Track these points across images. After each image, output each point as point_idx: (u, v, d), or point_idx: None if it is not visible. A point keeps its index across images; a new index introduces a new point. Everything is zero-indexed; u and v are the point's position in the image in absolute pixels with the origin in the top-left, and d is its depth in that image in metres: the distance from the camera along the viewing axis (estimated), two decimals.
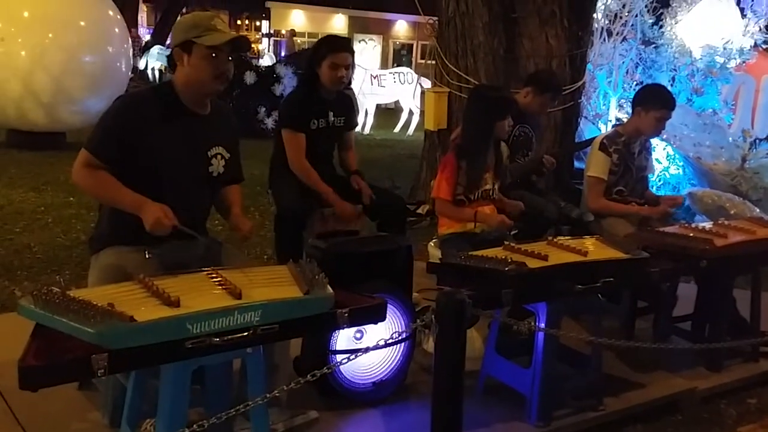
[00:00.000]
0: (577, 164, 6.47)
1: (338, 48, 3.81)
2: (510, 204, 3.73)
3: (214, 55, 2.58)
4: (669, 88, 7.27)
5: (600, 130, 7.45)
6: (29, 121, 8.99)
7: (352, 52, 3.88)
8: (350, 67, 3.86)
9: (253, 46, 38.80)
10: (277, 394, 2.24)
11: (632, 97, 4.33)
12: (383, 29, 30.57)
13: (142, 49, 20.85)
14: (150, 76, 18.45)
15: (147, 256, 2.57)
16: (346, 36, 24.73)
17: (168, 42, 20.73)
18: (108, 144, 2.58)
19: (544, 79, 4.60)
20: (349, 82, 3.96)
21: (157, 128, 2.60)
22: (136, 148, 2.57)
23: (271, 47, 31.03)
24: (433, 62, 6.88)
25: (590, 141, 4.44)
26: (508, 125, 3.64)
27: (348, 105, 4.04)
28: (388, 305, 2.59)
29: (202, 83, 2.63)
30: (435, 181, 3.69)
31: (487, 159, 3.64)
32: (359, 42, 28.83)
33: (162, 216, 2.46)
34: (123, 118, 2.60)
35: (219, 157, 2.76)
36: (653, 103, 3.96)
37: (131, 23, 17.83)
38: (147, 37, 25.74)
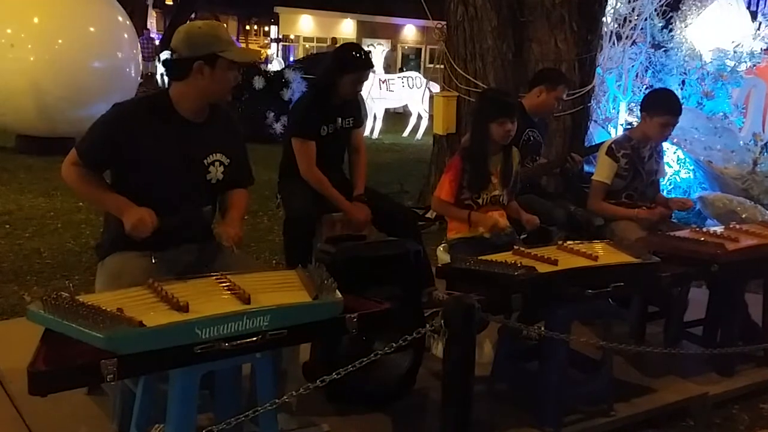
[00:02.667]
0: (587, 168, 6.45)
1: (366, 66, 3.85)
2: (527, 219, 3.69)
3: (234, 67, 2.64)
4: (679, 91, 7.27)
5: (610, 134, 7.42)
6: (39, 126, 9.03)
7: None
8: None
9: (261, 51, 38.95)
10: (286, 400, 2.24)
11: (641, 100, 4.31)
12: (391, 34, 30.57)
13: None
14: (159, 81, 18.49)
15: (153, 261, 2.57)
16: (354, 40, 24.76)
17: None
18: (94, 152, 2.60)
19: (553, 74, 4.60)
20: None
21: (150, 138, 2.59)
22: (127, 158, 2.58)
23: (280, 52, 31.10)
24: (442, 66, 6.87)
25: (599, 146, 4.41)
26: (506, 129, 3.58)
27: (355, 106, 4.04)
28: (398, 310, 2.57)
29: (221, 94, 2.68)
30: (440, 181, 3.69)
31: (489, 162, 3.61)
32: (367, 47, 28.84)
33: (145, 215, 2.48)
34: (113, 129, 2.60)
35: (217, 164, 2.73)
36: (658, 109, 3.94)
37: (141, 29, 17.85)
38: (156, 43, 25.79)
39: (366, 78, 3.88)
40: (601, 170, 4.00)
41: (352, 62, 3.80)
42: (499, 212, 3.60)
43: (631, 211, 3.94)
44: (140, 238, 2.50)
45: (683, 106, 4.11)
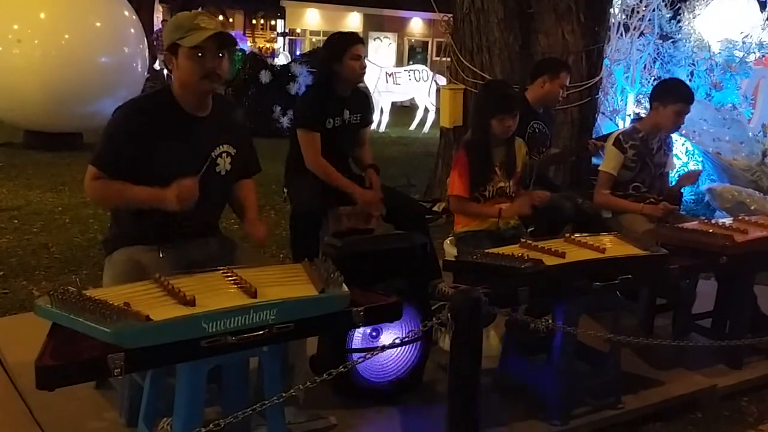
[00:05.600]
0: (594, 161, 6.43)
1: (356, 39, 3.90)
2: (537, 195, 3.67)
3: (200, 54, 2.53)
4: (687, 83, 7.21)
5: (617, 126, 7.40)
6: (46, 121, 9.05)
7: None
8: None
9: (268, 45, 38.93)
10: (293, 393, 2.24)
11: (649, 92, 4.28)
12: (398, 27, 30.49)
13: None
14: (166, 76, 18.52)
15: (161, 256, 2.57)
16: (361, 34, 24.74)
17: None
18: (113, 159, 2.58)
19: (552, 62, 4.59)
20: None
21: (157, 136, 2.57)
22: (139, 158, 2.56)
23: (286, 46, 31.08)
24: (449, 59, 6.86)
25: (607, 136, 4.39)
26: (507, 125, 3.56)
27: (363, 102, 4.04)
28: (405, 303, 2.57)
29: (192, 84, 2.58)
30: (449, 179, 3.67)
31: (493, 156, 3.60)
32: (374, 40, 28.78)
33: (182, 189, 2.44)
34: (124, 131, 2.58)
35: (225, 155, 2.72)
36: (671, 97, 3.92)
37: (147, 24, 17.85)
38: None
39: (363, 51, 3.86)
40: (608, 161, 3.99)
41: (343, 41, 3.83)
42: (506, 204, 3.59)
43: (637, 205, 3.92)
44: (190, 207, 2.46)
45: None
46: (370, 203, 3.72)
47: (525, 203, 3.54)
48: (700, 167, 7.33)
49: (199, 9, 27.24)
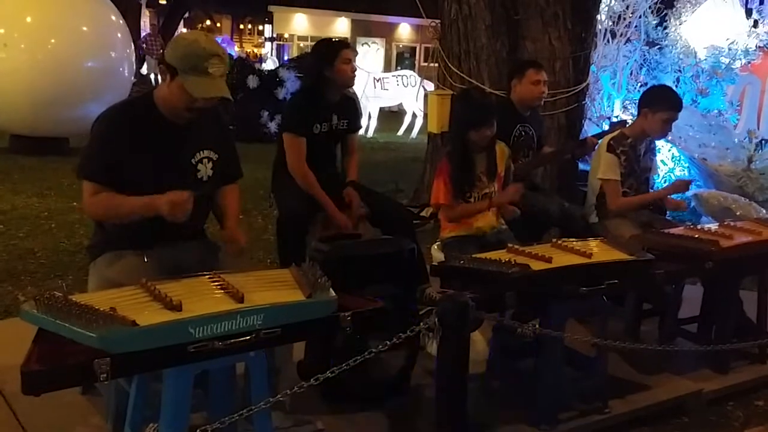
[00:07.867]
0: (581, 166, 6.46)
1: (345, 44, 3.94)
2: (505, 209, 3.69)
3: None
4: (674, 89, 7.28)
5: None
6: (32, 126, 9.00)
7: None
8: None
9: (255, 50, 38.89)
10: (280, 398, 2.23)
11: (638, 98, 4.30)
12: (386, 32, 30.53)
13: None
14: (153, 80, 18.44)
15: (145, 260, 2.56)
16: (349, 39, 24.78)
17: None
18: (104, 168, 2.57)
19: (517, 64, 4.63)
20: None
21: (136, 142, 2.57)
22: (119, 165, 2.55)
23: (274, 51, 31.06)
24: (436, 65, 6.87)
25: (604, 134, 4.37)
26: (486, 135, 3.57)
27: (351, 108, 4.04)
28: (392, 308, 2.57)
29: (175, 110, 2.59)
30: (433, 188, 3.66)
31: (475, 163, 3.61)
32: (362, 45, 28.79)
33: (174, 198, 2.41)
34: (107, 140, 2.58)
35: (206, 161, 2.71)
36: (660, 104, 3.93)
37: (134, 28, 17.78)
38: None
39: (352, 55, 3.87)
40: (608, 168, 3.94)
41: (333, 46, 3.85)
42: (492, 210, 3.60)
43: (656, 192, 3.98)
44: (184, 219, 2.44)
45: None
46: (341, 226, 3.71)
47: (514, 190, 3.58)
48: (687, 173, 7.38)
49: (187, 14, 26.93)
